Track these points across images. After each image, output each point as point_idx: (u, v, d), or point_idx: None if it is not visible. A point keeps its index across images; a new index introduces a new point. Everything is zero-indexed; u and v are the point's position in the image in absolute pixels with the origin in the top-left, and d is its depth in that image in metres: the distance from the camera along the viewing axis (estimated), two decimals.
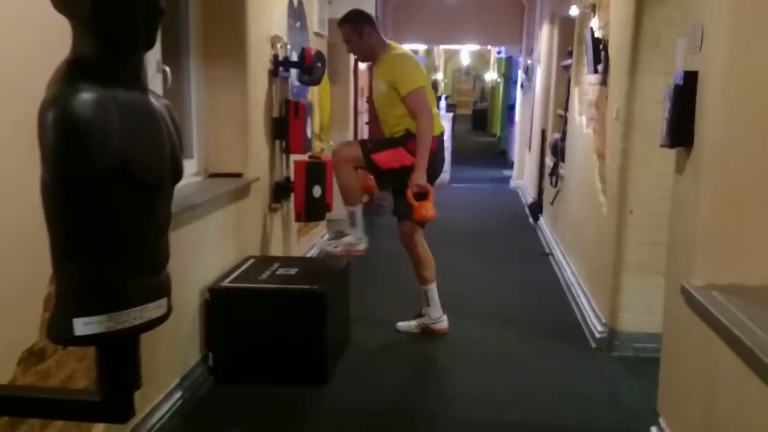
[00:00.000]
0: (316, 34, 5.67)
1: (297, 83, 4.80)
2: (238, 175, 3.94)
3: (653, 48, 3.67)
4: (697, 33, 2.44)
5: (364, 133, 8.40)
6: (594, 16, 4.75)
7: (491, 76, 21.38)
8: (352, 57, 7.45)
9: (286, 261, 3.84)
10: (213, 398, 3.25)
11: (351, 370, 3.56)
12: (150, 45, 1.47)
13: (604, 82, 4.39)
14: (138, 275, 1.46)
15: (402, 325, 4.12)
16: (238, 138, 3.94)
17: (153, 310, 1.50)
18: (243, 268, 3.64)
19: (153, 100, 1.52)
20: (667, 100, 2.61)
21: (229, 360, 3.36)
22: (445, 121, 11.29)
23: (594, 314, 4.16)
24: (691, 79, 2.49)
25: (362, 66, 7.86)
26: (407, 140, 3.88)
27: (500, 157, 14.62)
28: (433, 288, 4.09)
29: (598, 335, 3.96)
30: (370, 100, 8.33)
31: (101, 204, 1.37)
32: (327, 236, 4.27)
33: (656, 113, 3.67)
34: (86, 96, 1.31)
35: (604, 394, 3.40)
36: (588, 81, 4.96)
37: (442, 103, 13.50)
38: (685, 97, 2.51)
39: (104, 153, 1.32)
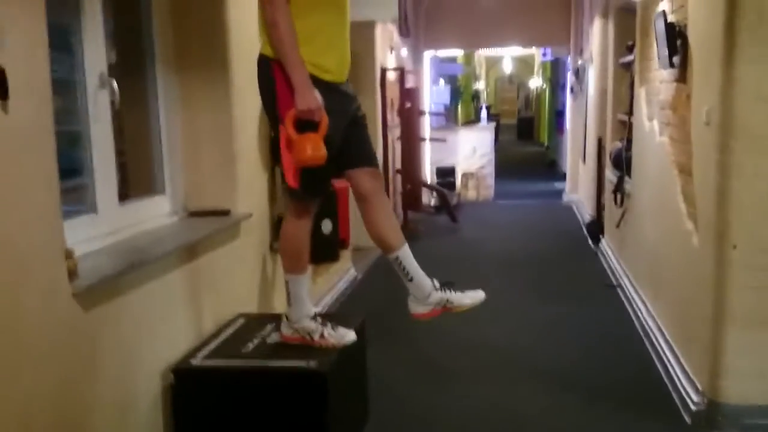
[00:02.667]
0: None
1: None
2: (225, 213, 3.15)
3: (756, 28, 2.75)
4: None
5: (397, 150, 7.57)
6: None
7: (536, 82, 20.38)
8: (378, 68, 6.67)
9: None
10: None
11: None
12: None
13: (682, 79, 3.46)
14: None
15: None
16: (222, 166, 3.15)
17: None
18: (226, 334, 2.83)
19: None
20: None
21: None
22: (486, 132, 10.51)
23: (686, 378, 3.21)
24: None
25: (391, 76, 7.06)
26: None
27: (550, 169, 13.59)
28: (296, 279, 2.72)
29: (693, 407, 3.02)
30: (401, 112, 7.51)
31: None
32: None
33: (764, 114, 2.77)
34: None
35: None
36: (658, 78, 4.04)
37: (483, 113, 12.59)
38: None
39: None
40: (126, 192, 2.89)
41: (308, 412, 2.47)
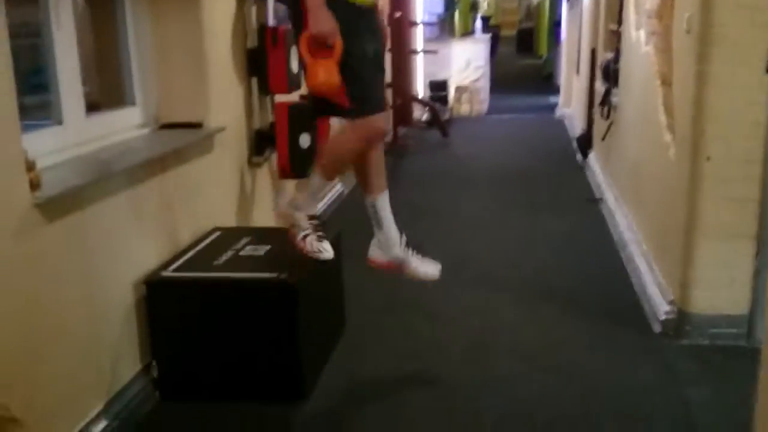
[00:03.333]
0: None
1: (282, 6, 3.87)
2: (198, 125, 3.11)
3: None
4: None
5: (387, 62, 7.40)
6: None
7: None
8: None
9: (260, 234, 3.02)
10: (158, 419, 2.53)
11: (341, 380, 2.76)
12: None
13: None
14: None
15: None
16: (193, 77, 3.09)
17: None
18: (200, 246, 2.85)
19: None
20: None
21: (178, 370, 2.61)
22: (481, 45, 10.25)
23: (659, 289, 3.25)
24: None
25: None
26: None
27: (546, 82, 13.36)
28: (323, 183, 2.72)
29: (663, 317, 3.07)
30: (390, 22, 7.31)
31: None
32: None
33: (744, 24, 2.69)
34: None
35: (670, 403, 2.54)
36: None
37: (478, 24, 12.25)
38: None
39: None
40: (96, 103, 2.85)
41: (279, 323, 2.52)
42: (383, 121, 2.50)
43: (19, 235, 1.97)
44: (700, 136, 2.82)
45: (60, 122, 2.49)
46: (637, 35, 4.14)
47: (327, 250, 2.67)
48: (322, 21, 2.30)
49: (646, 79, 3.78)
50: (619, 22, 4.91)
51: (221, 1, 3.25)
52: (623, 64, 4.72)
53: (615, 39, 5.13)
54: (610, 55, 5.27)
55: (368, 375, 2.81)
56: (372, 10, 2.52)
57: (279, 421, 2.48)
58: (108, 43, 2.95)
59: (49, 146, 2.38)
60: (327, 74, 2.31)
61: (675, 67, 3.17)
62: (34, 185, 2.05)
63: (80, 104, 2.59)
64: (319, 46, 2.33)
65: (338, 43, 2.33)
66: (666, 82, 3.35)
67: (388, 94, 7.50)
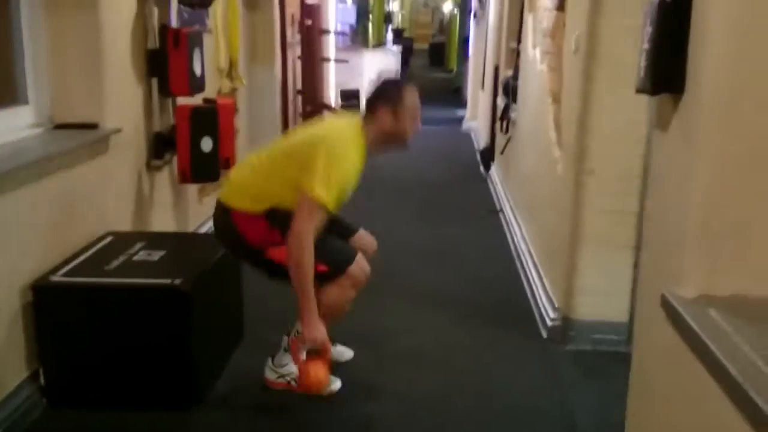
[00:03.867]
0: None
1: (185, 7, 3.83)
2: (93, 126, 3.03)
3: None
4: None
5: (297, 70, 7.42)
6: None
7: (449, 6, 20.22)
8: None
9: (155, 239, 2.97)
10: (45, 427, 2.44)
11: (236, 387, 2.74)
12: None
13: (561, 6, 3.53)
14: None
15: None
16: (89, 77, 3.02)
17: None
18: (92, 251, 2.77)
19: None
20: (647, 24, 1.79)
21: (66, 377, 2.53)
22: (391, 56, 10.43)
23: (546, 296, 3.42)
24: None
25: None
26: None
27: (455, 95, 13.71)
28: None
29: (550, 323, 3.23)
30: (301, 29, 7.33)
31: None
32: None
33: (627, 44, 2.86)
34: None
35: (554, 405, 2.68)
36: (544, 5, 4.10)
37: (389, 36, 12.45)
38: (673, 18, 1.69)
39: None
40: None
41: (172, 329, 2.49)
42: (360, 264, 2.65)
43: None
44: (584, 152, 2.99)
45: None
46: (534, 53, 4.34)
47: (333, 382, 2.69)
48: (316, 330, 2.45)
49: (540, 96, 3.97)
50: (519, 40, 5.12)
51: (121, 0, 3.19)
52: (521, 81, 4.92)
53: (515, 56, 5.35)
54: (510, 72, 5.49)
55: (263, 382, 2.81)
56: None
57: (171, 429, 2.45)
58: (1, 39, 2.84)
59: None
60: (317, 375, 2.49)
61: (564, 86, 3.35)
62: None
63: None
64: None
65: (328, 349, 2.54)
66: (556, 99, 3.53)
67: (299, 101, 7.52)
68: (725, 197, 1.57)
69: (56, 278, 2.51)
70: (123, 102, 3.24)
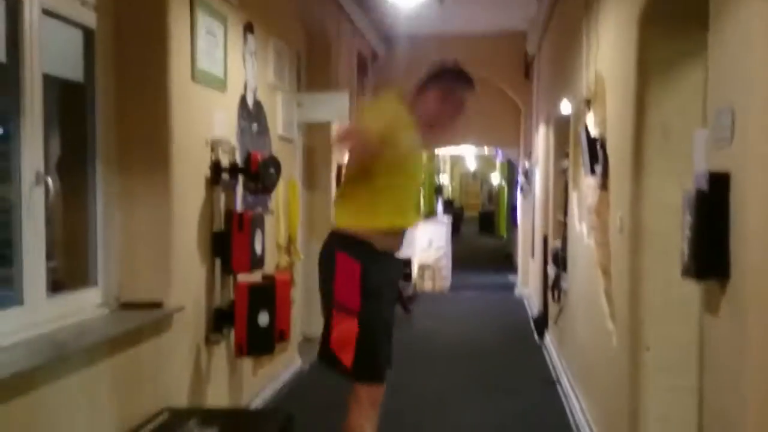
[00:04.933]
0: (282, 138, 5.05)
1: (250, 194, 4.13)
2: (158, 305, 3.19)
3: (661, 143, 2.96)
4: (724, 119, 1.73)
5: None
6: (589, 112, 4.11)
7: (497, 178, 20.95)
8: (335, 165, 6.86)
9: (209, 416, 3.01)
10: None
11: None
12: None
13: (604, 186, 3.67)
14: None
15: None
16: (157, 259, 3.22)
17: None
18: (147, 429, 2.82)
19: None
20: (686, 213, 1.87)
21: None
22: (441, 226, 10.72)
23: None
24: (719, 183, 1.76)
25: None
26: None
27: (506, 261, 13.82)
28: None
29: None
30: None
31: None
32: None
33: (670, 222, 2.94)
34: None
35: None
36: (587, 183, 4.26)
37: (439, 206, 12.87)
38: (711, 208, 1.78)
39: None
40: (60, 281, 2.94)
41: None
42: (381, 391, 2.66)
43: None
44: (638, 326, 2.98)
45: (21, 302, 2.56)
46: (580, 227, 4.45)
47: None
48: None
49: (589, 268, 4.01)
50: (565, 213, 5.27)
51: (191, 190, 3.46)
52: (570, 253, 5.00)
53: (562, 228, 5.47)
54: (558, 243, 5.59)
55: None
56: (393, 255, 2.78)
57: None
58: (77, 227, 3.10)
59: (7, 327, 2.43)
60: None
61: (612, 260, 3.40)
62: None
63: (42, 286, 2.68)
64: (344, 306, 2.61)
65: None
66: (606, 272, 3.57)
67: None
68: None
69: None
70: (187, 281, 3.41)
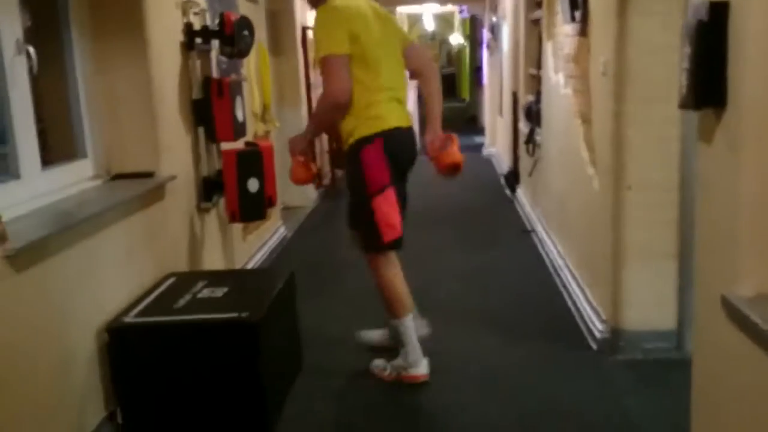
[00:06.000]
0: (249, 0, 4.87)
1: (224, 58, 4.03)
2: (149, 175, 3.19)
3: None
4: None
5: None
6: None
7: (457, 39, 20.54)
8: (299, 27, 6.68)
9: (215, 277, 3.11)
10: None
11: (302, 413, 2.86)
12: None
13: (583, 32, 3.68)
14: None
15: (377, 364, 3.16)
16: (143, 129, 3.18)
17: None
18: (157, 292, 2.91)
19: None
20: (685, 44, 1.91)
21: (142, 415, 2.65)
22: (410, 91, 10.64)
23: (592, 310, 3.50)
24: (718, 12, 1.79)
25: (311, 35, 7.06)
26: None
27: (470, 123, 13.90)
28: (407, 326, 3.06)
29: (599, 335, 3.31)
30: None
31: None
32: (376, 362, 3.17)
33: (655, 65, 3.00)
34: None
35: (611, 411, 2.76)
36: (563, 33, 4.25)
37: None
38: (711, 38, 1.81)
39: None
40: (49, 157, 2.91)
41: (242, 361, 2.60)
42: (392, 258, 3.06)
43: None
44: (621, 169, 3.11)
45: (18, 176, 2.55)
46: (557, 78, 4.48)
47: (412, 360, 3.06)
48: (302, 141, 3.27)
49: (567, 118, 4.10)
50: (539, 66, 5.27)
51: (167, 55, 3.37)
52: (544, 106, 5.06)
53: (535, 82, 5.50)
54: (531, 98, 5.64)
55: (327, 407, 2.91)
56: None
57: None
58: (58, 98, 3.02)
59: (8, 200, 2.43)
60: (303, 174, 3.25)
61: (593, 107, 3.47)
62: (3, 238, 2.10)
63: (36, 159, 2.66)
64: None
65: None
66: (586, 120, 3.66)
67: (325, 138, 7.70)
68: None
69: (129, 319, 2.64)
70: (174, 150, 3.40)
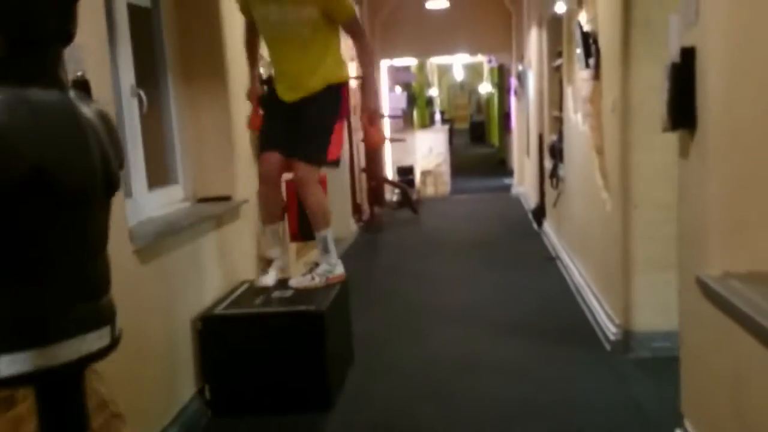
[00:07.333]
0: None
1: None
2: (227, 198, 3.80)
3: (645, 33, 3.53)
4: (691, 3, 2.30)
5: (361, 151, 8.27)
6: (581, 11, 4.63)
7: (485, 88, 21.31)
8: None
9: (282, 284, 3.68)
10: None
11: (356, 392, 3.39)
12: (66, 38, 1.30)
13: (596, 77, 4.25)
14: (71, 302, 1.28)
15: (298, 280, 3.58)
16: (223, 159, 3.80)
17: (93, 341, 1.33)
18: (236, 294, 3.48)
19: (80, 103, 1.34)
20: (665, 81, 2.47)
21: (226, 391, 3.19)
22: (440, 134, 11.32)
23: (606, 316, 3.98)
24: (687, 55, 2.34)
25: (352, 84, 7.75)
26: (335, 98, 3.55)
27: (500, 167, 14.49)
28: (330, 234, 3.64)
29: (612, 337, 3.78)
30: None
31: (17, 220, 1.19)
32: (298, 276, 3.68)
33: (654, 101, 3.52)
34: None
35: (623, 399, 3.22)
36: (580, 77, 4.83)
37: (437, 117, 13.41)
38: (683, 75, 2.37)
39: (13, 160, 1.15)
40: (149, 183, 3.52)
41: (310, 345, 3.14)
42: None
43: (125, 276, 2.60)
44: (628, 190, 3.63)
45: (130, 195, 3.16)
46: (576, 118, 5.05)
47: (332, 265, 3.61)
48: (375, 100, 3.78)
49: (585, 152, 4.64)
50: (560, 108, 5.85)
51: (242, 99, 4.00)
52: (566, 143, 5.61)
53: (558, 123, 6.07)
54: (554, 137, 6.20)
55: (379, 389, 3.42)
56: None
57: (312, 428, 3.07)
58: (157, 134, 3.66)
59: (124, 214, 3.04)
60: (379, 135, 3.97)
61: (606, 140, 4.02)
62: (132, 237, 2.70)
63: (144, 181, 3.27)
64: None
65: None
66: (600, 152, 4.20)
67: (363, 178, 8.34)
68: (731, 199, 2.20)
69: (219, 311, 3.21)
70: (246, 178, 4.01)
